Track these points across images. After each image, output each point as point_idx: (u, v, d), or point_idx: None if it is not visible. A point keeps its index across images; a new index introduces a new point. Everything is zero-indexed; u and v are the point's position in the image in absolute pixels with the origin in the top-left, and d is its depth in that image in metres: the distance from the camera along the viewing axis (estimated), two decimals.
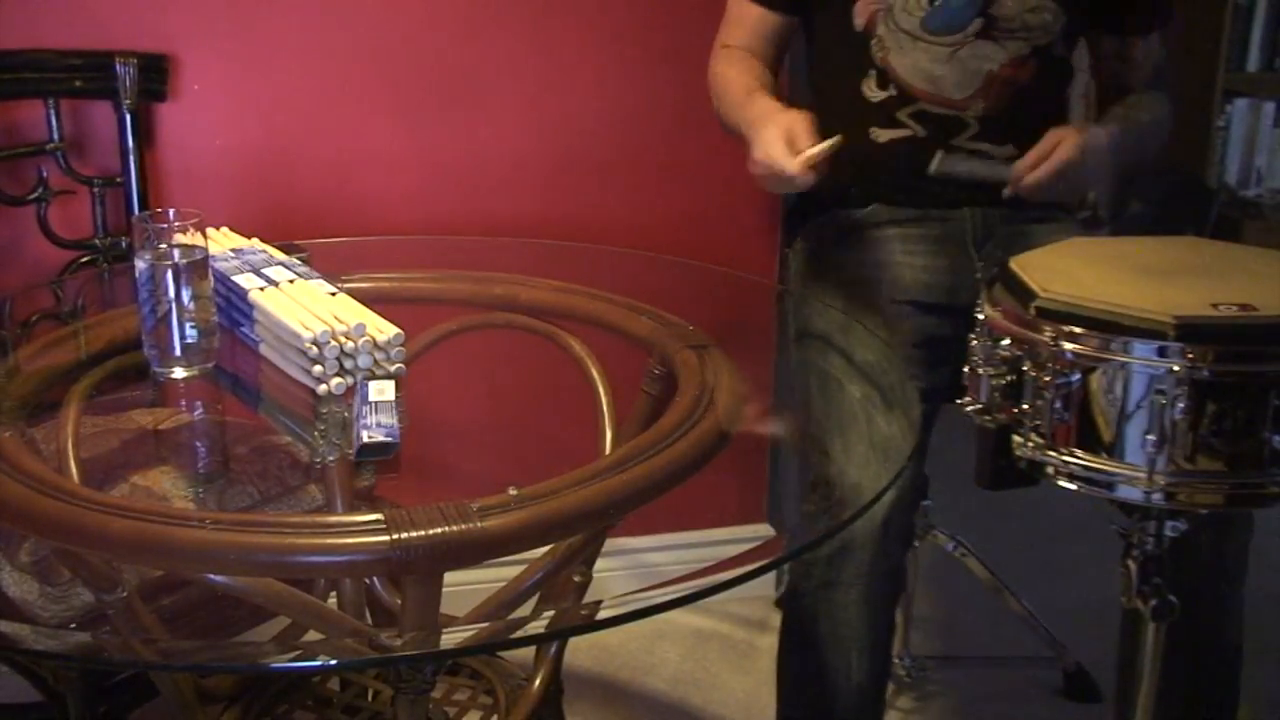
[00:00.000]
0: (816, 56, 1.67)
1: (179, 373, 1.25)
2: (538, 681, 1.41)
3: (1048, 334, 1.11)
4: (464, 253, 1.87)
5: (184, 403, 1.43)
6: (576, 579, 1.38)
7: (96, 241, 1.79)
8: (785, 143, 1.40)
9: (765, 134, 1.43)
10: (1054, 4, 1.54)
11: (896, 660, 1.98)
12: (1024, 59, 1.56)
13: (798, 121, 1.42)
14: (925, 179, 1.58)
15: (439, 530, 0.96)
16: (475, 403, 2.00)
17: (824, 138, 1.40)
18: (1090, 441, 1.11)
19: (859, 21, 1.56)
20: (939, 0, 1.51)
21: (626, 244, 1.99)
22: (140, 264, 1.22)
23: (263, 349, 1.28)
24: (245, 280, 1.30)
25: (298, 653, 1.26)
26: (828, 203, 1.67)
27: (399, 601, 1.31)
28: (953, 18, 1.52)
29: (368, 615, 1.46)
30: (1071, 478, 1.12)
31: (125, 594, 1.16)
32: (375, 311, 1.25)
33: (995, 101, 1.57)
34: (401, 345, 1.23)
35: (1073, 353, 1.10)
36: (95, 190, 1.78)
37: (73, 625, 1.24)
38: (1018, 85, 1.57)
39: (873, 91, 1.58)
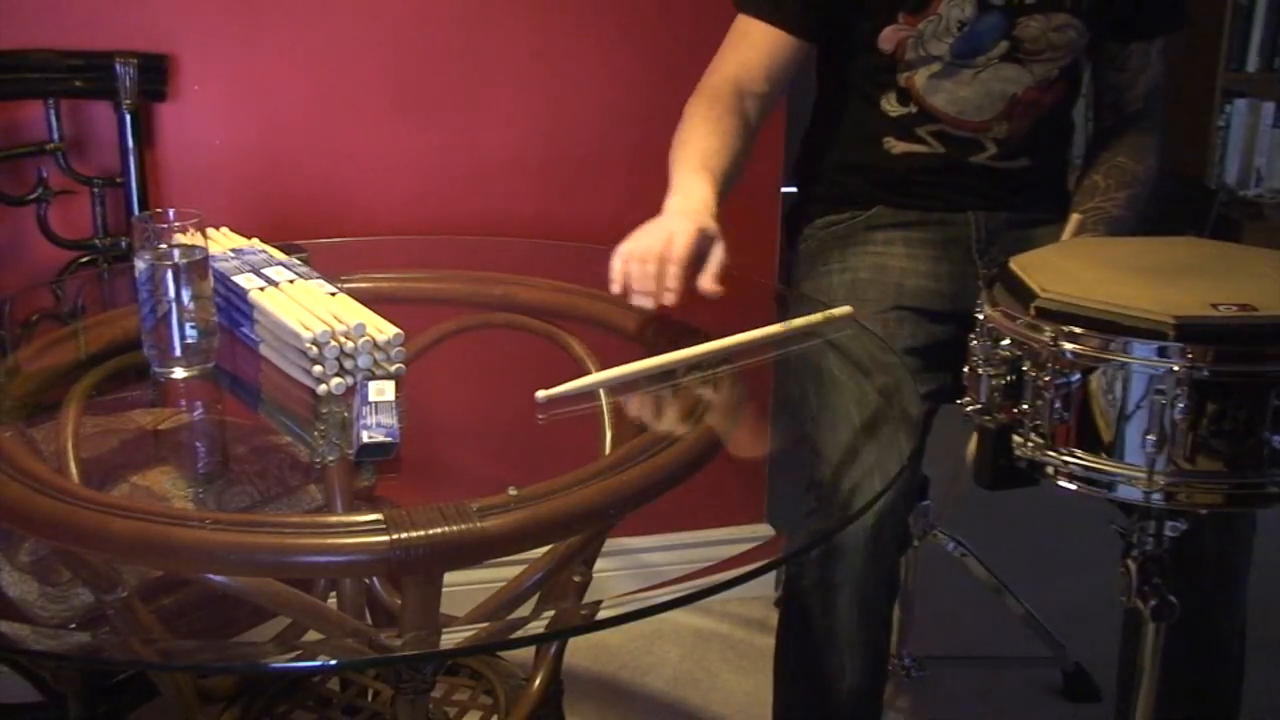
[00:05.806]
0: (829, 74, 1.66)
1: (179, 373, 1.25)
2: (538, 681, 1.41)
3: (1047, 334, 1.11)
4: (464, 253, 1.87)
5: (184, 403, 1.42)
6: (576, 579, 1.38)
7: (96, 242, 1.80)
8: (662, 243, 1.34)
9: (651, 227, 1.36)
10: (1079, 21, 1.53)
11: (896, 660, 1.98)
12: (1052, 82, 1.56)
13: (685, 230, 1.35)
14: (931, 184, 1.58)
15: (438, 530, 0.96)
16: (475, 403, 1.99)
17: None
18: (1090, 441, 1.11)
19: (886, 47, 1.55)
20: (967, 26, 1.51)
21: None
22: (140, 264, 1.22)
23: (263, 349, 1.28)
24: (245, 280, 1.30)
25: (298, 653, 1.25)
26: (830, 203, 1.67)
27: (399, 601, 1.31)
28: (979, 40, 1.52)
29: (368, 615, 1.46)
30: (1071, 478, 1.12)
31: (125, 594, 1.16)
32: (375, 311, 1.25)
33: (1018, 124, 1.56)
34: (401, 345, 1.23)
35: (1073, 353, 1.10)
36: (95, 190, 1.78)
37: (73, 625, 1.24)
38: (1042, 108, 1.57)
39: (892, 107, 1.58)
